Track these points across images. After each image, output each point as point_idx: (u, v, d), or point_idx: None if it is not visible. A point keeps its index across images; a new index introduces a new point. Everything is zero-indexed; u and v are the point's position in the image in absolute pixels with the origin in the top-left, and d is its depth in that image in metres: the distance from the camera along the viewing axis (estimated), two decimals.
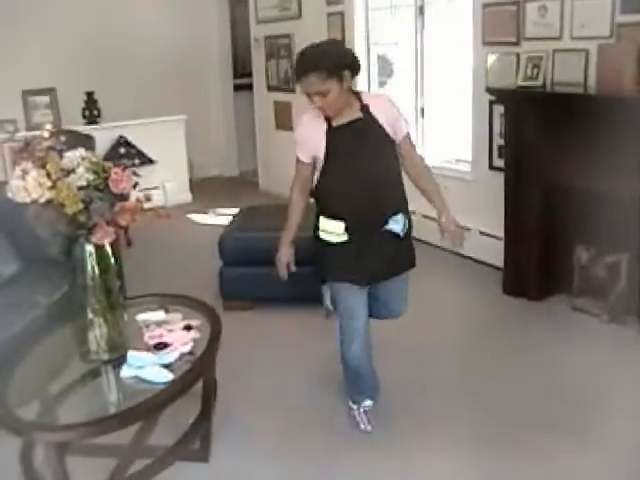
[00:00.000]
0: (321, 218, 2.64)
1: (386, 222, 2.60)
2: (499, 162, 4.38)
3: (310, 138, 2.57)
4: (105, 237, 2.38)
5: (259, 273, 4.02)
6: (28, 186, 2.25)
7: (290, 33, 6.41)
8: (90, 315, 2.45)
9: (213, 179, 7.99)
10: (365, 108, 2.55)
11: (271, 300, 4.07)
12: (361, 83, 5.30)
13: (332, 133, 2.53)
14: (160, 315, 2.79)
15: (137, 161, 6.27)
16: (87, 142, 5.05)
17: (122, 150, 6.34)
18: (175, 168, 6.85)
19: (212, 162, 8.06)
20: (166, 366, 2.41)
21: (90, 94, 6.64)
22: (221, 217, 5.88)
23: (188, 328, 2.67)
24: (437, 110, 5.19)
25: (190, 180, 7.11)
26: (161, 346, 2.52)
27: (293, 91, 6.53)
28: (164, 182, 6.66)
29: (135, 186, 2.43)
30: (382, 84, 5.69)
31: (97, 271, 2.44)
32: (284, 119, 6.75)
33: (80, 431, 2.16)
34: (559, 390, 3.09)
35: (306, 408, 3.06)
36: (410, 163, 2.71)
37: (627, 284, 3.68)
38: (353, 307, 2.65)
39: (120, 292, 2.64)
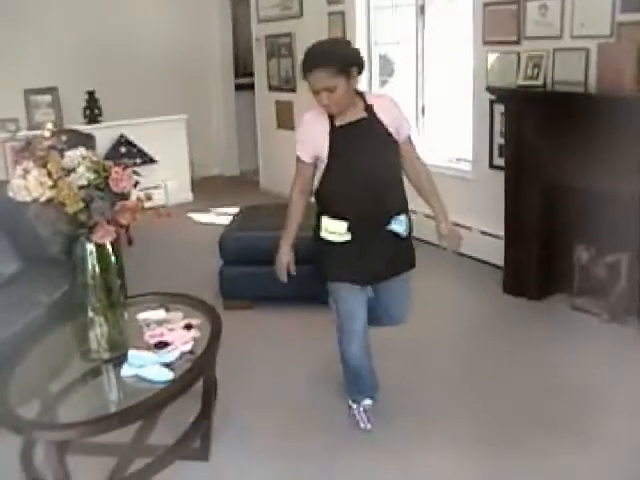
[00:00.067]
0: (323, 218, 2.63)
1: (388, 222, 2.60)
2: (499, 161, 4.39)
3: (313, 137, 2.56)
4: (106, 236, 2.38)
5: (259, 272, 4.01)
6: (29, 185, 2.25)
7: (291, 32, 6.42)
8: (91, 314, 2.46)
9: (214, 178, 8.00)
10: (369, 108, 2.55)
11: (271, 299, 4.08)
12: (362, 82, 5.29)
13: (336, 132, 2.52)
14: (161, 314, 2.79)
15: (138, 160, 6.27)
16: (88, 141, 5.05)
17: (123, 149, 6.35)
18: (176, 167, 6.85)
19: (213, 161, 8.06)
20: (166, 365, 2.42)
21: (91, 93, 6.64)
22: (222, 216, 5.88)
23: (188, 327, 2.67)
24: (438, 109, 5.20)
25: (191, 179, 7.11)
26: (161, 345, 2.53)
27: (294, 90, 6.54)
28: (165, 181, 6.66)
29: (136, 185, 2.43)
30: (383, 83, 5.69)
31: (98, 270, 2.45)
32: (285, 118, 6.75)
33: (80, 430, 2.17)
34: (559, 390, 3.09)
35: (306, 407, 3.06)
36: (410, 165, 2.71)
37: (627, 284, 3.68)
38: (352, 308, 2.65)
39: (121, 291, 2.64)
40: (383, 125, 2.55)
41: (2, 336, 2.82)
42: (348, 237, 2.58)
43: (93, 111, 6.66)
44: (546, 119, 3.78)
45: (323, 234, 2.63)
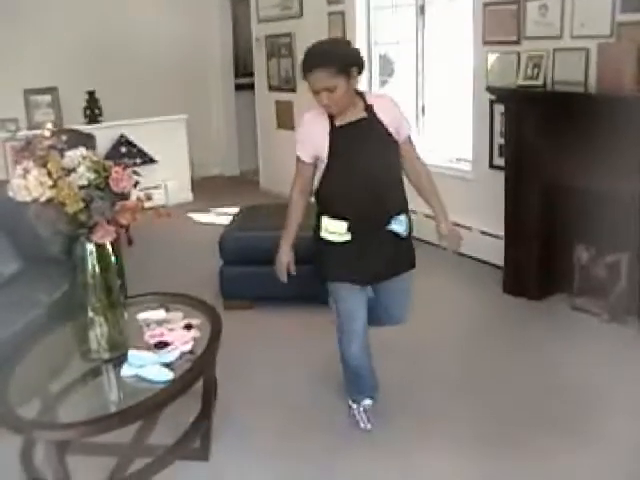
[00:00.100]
0: (323, 217, 2.62)
1: (388, 222, 2.60)
2: (499, 161, 4.39)
3: (313, 137, 2.56)
4: (106, 236, 2.38)
5: (259, 272, 4.01)
6: (29, 185, 2.25)
7: (291, 32, 6.42)
8: (91, 314, 2.46)
9: (214, 178, 8.00)
10: (369, 108, 2.55)
11: (271, 299, 4.08)
12: (362, 82, 5.29)
13: (336, 132, 2.52)
14: (161, 314, 2.79)
15: (138, 160, 6.28)
16: (88, 141, 5.05)
17: (123, 149, 6.35)
18: (176, 167, 6.85)
19: (213, 161, 8.06)
20: (166, 365, 2.42)
21: (91, 93, 6.64)
22: (222, 216, 5.89)
23: (188, 327, 2.67)
24: (438, 109, 5.20)
25: (191, 179, 7.11)
26: (161, 345, 2.53)
27: (294, 90, 6.54)
28: (165, 181, 6.66)
29: (136, 185, 2.43)
30: (383, 83, 5.69)
31: (98, 270, 2.45)
32: (285, 118, 6.75)
33: (80, 430, 2.17)
34: (559, 390, 3.09)
35: (306, 407, 3.06)
36: (410, 165, 2.71)
37: (627, 284, 3.68)
38: (352, 308, 2.65)
39: (121, 291, 2.64)
40: (383, 125, 2.55)
41: (2, 336, 2.82)
42: (348, 237, 2.58)
43: (93, 111, 6.66)
44: (546, 119, 3.79)
45: (323, 234, 2.63)
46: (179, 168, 6.91)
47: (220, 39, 7.80)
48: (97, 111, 6.68)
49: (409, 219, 2.69)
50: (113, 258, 2.52)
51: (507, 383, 3.18)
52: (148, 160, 6.43)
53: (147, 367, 2.39)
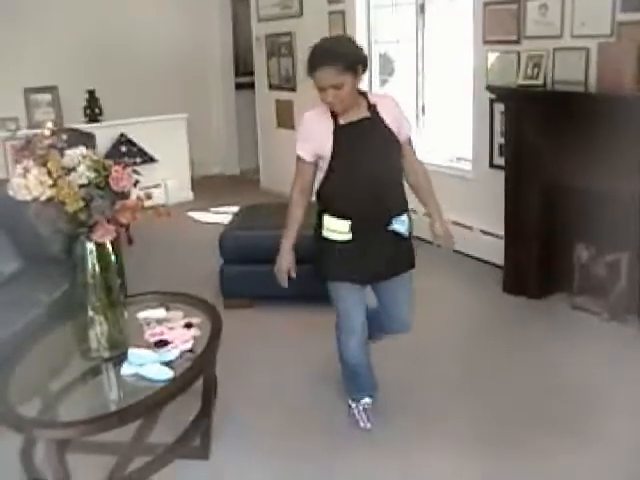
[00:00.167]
0: (325, 216, 2.61)
1: (390, 222, 2.59)
2: (500, 160, 4.39)
3: (316, 135, 2.54)
4: (106, 235, 2.38)
5: (259, 271, 4.01)
6: (29, 184, 2.26)
7: (291, 31, 6.41)
8: (91, 313, 2.46)
9: (214, 177, 8.00)
10: (372, 108, 2.55)
11: (271, 298, 4.08)
12: (363, 81, 5.30)
13: (340, 131, 2.51)
14: (161, 313, 2.79)
15: (138, 159, 6.27)
16: (88, 140, 5.06)
17: (123, 148, 6.35)
18: (176, 166, 6.85)
19: (213, 160, 8.06)
20: (167, 364, 2.42)
21: (92, 92, 6.63)
22: (222, 215, 5.88)
23: (189, 326, 2.67)
24: (438, 108, 5.20)
25: (191, 178, 7.12)
26: (162, 344, 2.53)
27: (294, 90, 6.55)
28: (165, 180, 6.66)
29: (136, 184, 2.43)
30: (383, 82, 5.69)
31: (98, 269, 2.45)
32: (285, 117, 6.75)
33: (80, 428, 2.17)
34: (559, 389, 3.09)
35: (306, 406, 3.06)
36: (410, 165, 2.71)
37: (627, 283, 3.68)
38: (351, 307, 2.65)
39: (121, 290, 2.64)
40: (386, 125, 2.55)
41: (2, 335, 2.82)
42: (350, 236, 2.57)
43: (93, 110, 6.66)
44: (546, 118, 3.79)
45: (325, 233, 2.62)
46: (179, 167, 6.91)
47: (220, 38, 7.79)
48: (97, 110, 6.67)
49: (410, 219, 2.69)
50: (113, 257, 2.52)
51: (507, 383, 3.18)
52: (148, 159, 6.42)
53: (147, 366, 2.39)
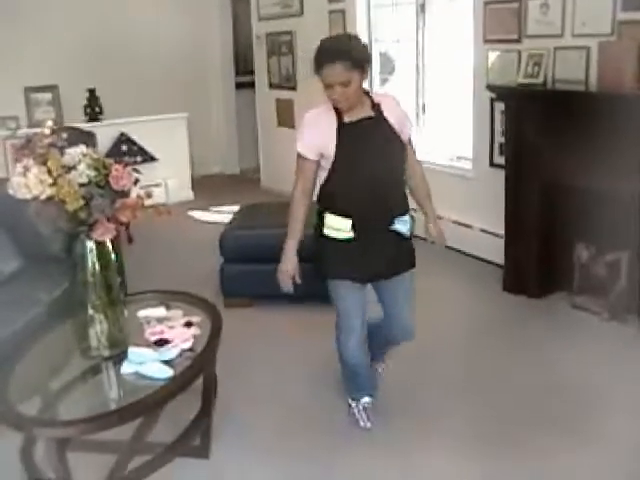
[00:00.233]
0: (327, 214, 2.59)
1: (392, 222, 2.58)
2: (500, 159, 4.38)
3: (320, 133, 2.51)
4: (106, 234, 2.38)
5: (260, 270, 4.02)
6: (29, 183, 2.26)
7: (292, 30, 6.41)
8: (91, 311, 2.46)
9: (214, 176, 8.00)
10: (376, 107, 2.54)
11: (271, 297, 4.06)
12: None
13: (344, 129, 2.49)
14: (161, 311, 2.80)
15: (139, 158, 6.28)
16: (88, 139, 5.06)
17: (124, 147, 6.35)
18: (177, 165, 6.85)
19: (213, 159, 8.06)
20: (166, 362, 2.42)
21: (92, 91, 6.63)
22: (222, 214, 5.89)
23: (189, 325, 2.67)
24: (438, 107, 5.19)
25: (191, 177, 7.11)
26: (162, 342, 2.53)
27: (295, 88, 6.55)
28: (166, 179, 6.66)
29: (136, 183, 2.43)
30: (384, 81, 5.69)
31: (98, 267, 2.45)
32: (286, 117, 6.75)
33: (80, 427, 2.17)
34: (559, 388, 3.09)
35: (306, 405, 3.06)
36: (409, 166, 2.70)
37: (627, 282, 3.68)
38: (351, 306, 2.64)
39: (121, 288, 2.64)
40: (390, 124, 2.54)
41: (2, 334, 2.82)
42: (351, 234, 2.56)
43: (94, 109, 6.66)
44: (546, 117, 3.78)
45: (326, 231, 2.60)
46: (179, 166, 6.91)
47: (220, 37, 7.79)
48: (97, 109, 6.67)
49: (412, 219, 2.68)
50: (113, 256, 2.52)
51: (507, 382, 3.18)
52: (148, 158, 6.43)
53: (147, 364, 2.39)
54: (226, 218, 4.77)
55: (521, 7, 4.15)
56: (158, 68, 7.28)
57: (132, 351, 2.45)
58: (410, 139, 2.68)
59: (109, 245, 2.48)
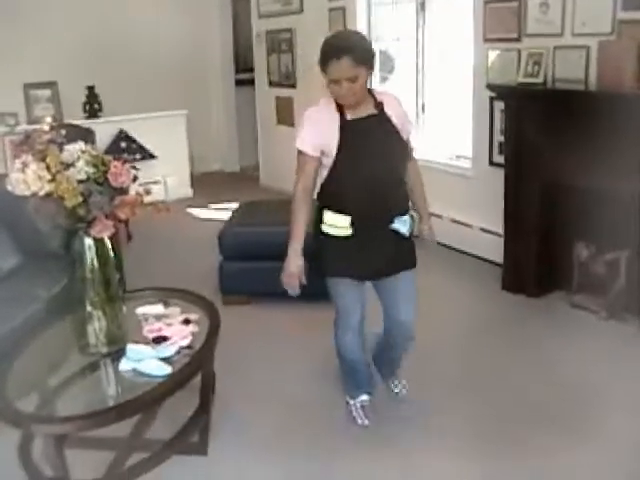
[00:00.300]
0: (326, 212, 2.57)
1: (392, 221, 2.57)
2: (499, 158, 4.38)
3: (322, 129, 2.48)
4: (104, 231, 2.38)
5: (258, 268, 4.03)
6: (28, 179, 2.25)
7: (292, 28, 6.40)
8: (89, 308, 2.46)
9: (214, 174, 8.00)
10: (379, 105, 2.53)
11: (270, 295, 4.06)
12: None
13: (347, 126, 2.47)
14: (159, 309, 2.79)
15: (138, 156, 6.21)
16: (87, 136, 5.05)
17: (123, 144, 6.34)
18: (176, 163, 6.85)
19: (213, 157, 8.06)
20: (165, 359, 2.42)
21: (91, 88, 6.63)
22: (221, 212, 5.89)
23: (187, 322, 2.67)
24: (438, 106, 5.19)
25: (191, 175, 7.11)
26: (160, 339, 2.53)
27: (294, 86, 6.54)
28: (165, 176, 6.66)
29: (135, 180, 2.43)
30: (383, 80, 5.68)
31: (96, 264, 2.45)
32: (285, 114, 6.75)
33: (78, 424, 2.17)
34: (558, 387, 3.09)
35: (304, 403, 3.06)
36: (408, 166, 2.70)
37: (626, 281, 3.68)
38: (349, 304, 2.64)
39: (119, 286, 2.64)
40: (392, 123, 2.53)
41: (1, 331, 2.82)
42: (350, 231, 2.54)
43: (93, 106, 6.66)
44: (546, 116, 3.78)
45: (324, 228, 2.58)
46: (179, 164, 6.90)
47: (220, 34, 7.78)
48: (97, 106, 6.67)
49: (413, 219, 2.67)
50: (112, 253, 2.51)
51: (506, 380, 3.18)
52: (148, 155, 6.41)
53: (145, 361, 2.39)
54: (225, 215, 4.77)
55: (521, 6, 4.14)
56: (158, 66, 7.27)
57: (130, 348, 2.45)
58: (409, 139, 2.68)
59: (108, 242, 2.48)
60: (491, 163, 4.57)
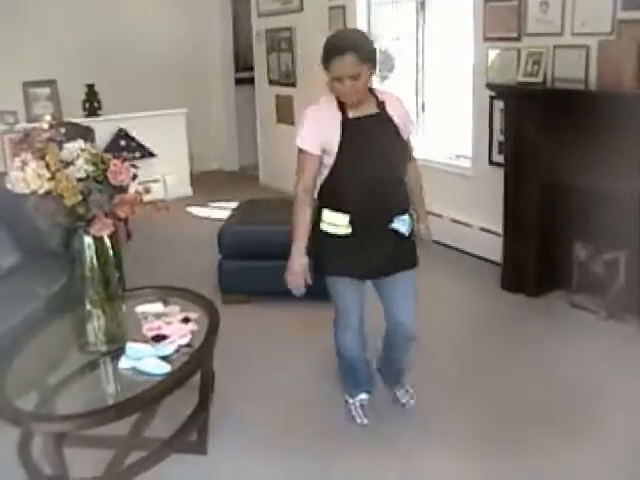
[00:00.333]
0: (325, 210, 2.56)
1: (391, 220, 2.56)
2: (499, 158, 4.38)
3: (324, 126, 2.46)
4: (104, 229, 2.38)
5: (258, 266, 4.04)
6: (27, 177, 2.25)
7: (291, 27, 6.40)
8: (88, 306, 2.46)
9: (213, 173, 8.00)
10: (381, 105, 2.52)
11: (269, 294, 4.08)
12: None
13: (348, 124, 2.46)
14: (158, 307, 2.79)
15: (137, 154, 6.25)
16: (87, 134, 5.05)
17: (122, 143, 6.34)
18: (175, 161, 6.85)
19: (212, 156, 8.06)
20: (164, 358, 2.42)
21: (91, 86, 6.62)
22: (221, 211, 5.88)
23: (186, 320, 2.67)
24: (438, 105, 5.19)
25: (190, 173, 7.11)
26: (159, 338, 2.53)
27: (294, 85, 6.54)
28: (164, 175, 6.66)
29: (134, 178, 2.43)
30: (383, 79, 5.68)
31: (96, 263, 2.44)
32: (285, 113, 6.75)
33: (78, 422, 2.17)
34: (557, 386, 3.10)
35: (304, 401, 3.06)
36: (408, 166, 2.70)
37: (625, 281, 3.69)
38: (349, 303, 2.63)
39: (119, 284, 2.63)
40: (394, 123, 2.52)
41: (1, 329, 2.82)
42: (349, 230, 2.53)
43: (92, 104, 6.65)
44: (546, 116, 3.78)
45: (323, 226, 2.57)
46: (178, 162, 6.90)
47: (220, 33, 7.78)
48: (96, 104, 6.66)
49: (413, 219, 2.66)
50: (111, 251, 2.51)
51: (505, 380, 3.18)
52: (147, 154, 6.42)
53: (144, 360, 2.39)
54: (224, 214, 4.77)
55: (521, 5, 4.14)
56: (158, 64, 7.27)
57: (130, 346, 2.45)
58: (409, 139, 2.67)
59: (107, 240, 2.48)
60: (491, 162, 4.57)
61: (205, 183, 7.31)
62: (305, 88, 6.24)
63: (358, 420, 2.86)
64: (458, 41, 4.85)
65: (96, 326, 2.48)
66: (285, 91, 6.72)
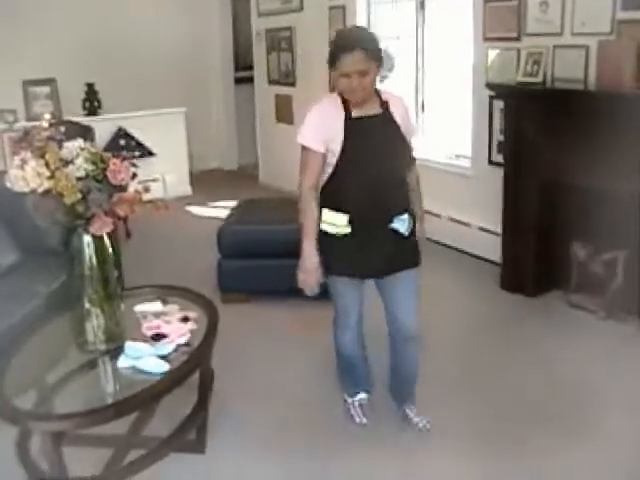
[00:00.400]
0: (324, 210, 2.55)
1: (391, 220, 2.55)
2: (498, 158, 4.39)
3: (328, 125, 2.45)
4: (103, 228, 2.38)
5: (257, 266, 4.04)
6: (27, 176, 2.25)
7: (291, 26, 6.40)
8: (87, 305, 2.46)
9: (213, 172, 7.99)
10: (385, 105, 2.52)
11: (269, 293, 4.08)
12: None
13: (351, 123, 2.45)
14: (157, 306, 2.79)
15: (137, 153, 6.25)
16: (86, 133, 5.05)
17: (122, 142, 6.33)
18: (175, 160, 6.84)
19: (212, 155, 8.05)
20: (163, 357, 2.42)
21: (91, 85, 6.62)
22: (220, 210, 5.88)
23: (185, 320, 2.67)
24: (437, 105, 5.19)
25: (190, 173, 7.11)
26: (158, 337, 2.53)
27: (294, 85, 6.54)
28: (164, 174, 6.65)
29: (134, 177, 2.43)
30: (383, 78, 5.66)
31: (95, 261, 2.44)
32: (285, 112, 6.75)
33: (76, 421, 2.17)
34: (556, 386, 3.10)
35: (303, 400, 3.06)
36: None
37: (624, 281, 3.69)
38: (349, 303, 2.64)
39: (118, 283, 2.63)
40: (397, 123, 2.52)
41: (0, 327, 2.82)
42: (348, 230, 2.52)
43: (92, 103, 6.65)
44: (545, 116, 3.78)
45: (323, 226, 2.56)
46: (178, 161, 6.89)
47: (220, 33, 7.78)
48: (96, 103, 6.66)
49: (412, 218, 2.65)
50: (110, 250, 2.51)
51: (504, 379, 3.19)
52: (147, 153, 6.41)
53: (144, 359, 2.39)
54: (224, 213, 4.77)
55: (521, 5, 4.15)
56: (157, 64, 7.27)
57: (129, 345, 2.45)
58: (410, 141, 2.67)
59: (106, 239, 2.48)
60: (490, 162, 4.57)
61: (204, 182, 7.31)
62: (305, 88, 6.25)
63: (357, 419, 2.86)
64: (458, 41, 4.85)
65: (95, 325, 2.48)
66: (285, 91, 6.72)
